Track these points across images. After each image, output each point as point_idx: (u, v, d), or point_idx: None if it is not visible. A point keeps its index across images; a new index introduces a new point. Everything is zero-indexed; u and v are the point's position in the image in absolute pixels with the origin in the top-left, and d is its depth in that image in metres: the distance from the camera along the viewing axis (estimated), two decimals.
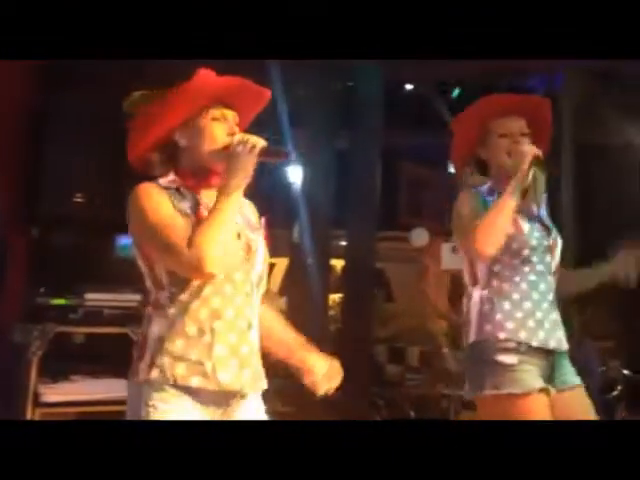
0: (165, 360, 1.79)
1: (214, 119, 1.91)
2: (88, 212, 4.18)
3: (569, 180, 5.24)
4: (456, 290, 5.71)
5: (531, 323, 2.28)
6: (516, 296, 2.30)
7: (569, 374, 2.37)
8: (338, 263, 6.18)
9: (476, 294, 2.35)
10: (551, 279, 2.37)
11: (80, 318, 3.88)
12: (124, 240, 4.21)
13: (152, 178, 1.92)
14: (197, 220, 1.84)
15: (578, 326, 4.78)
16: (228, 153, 1.86)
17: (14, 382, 3.70)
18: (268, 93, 2.01)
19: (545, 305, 2.33)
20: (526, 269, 2.32)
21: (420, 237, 6.35)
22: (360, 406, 4.71)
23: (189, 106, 1.89)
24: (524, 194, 2.29)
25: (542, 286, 2.33)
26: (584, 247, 5.07)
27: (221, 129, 1.91)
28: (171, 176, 1.93)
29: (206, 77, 1.89)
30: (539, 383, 2.24)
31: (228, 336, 1.84)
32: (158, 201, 1.84)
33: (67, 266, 4.14)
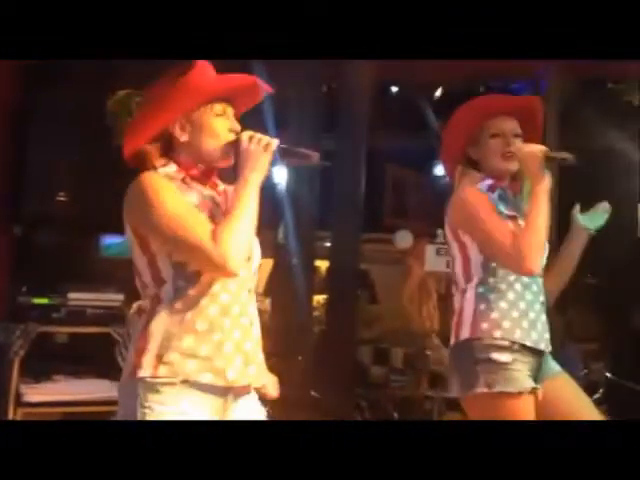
0: (175, 356, 1.75)
1: (217, 115, 1.89)
2: (71, 211, 4.16)
3: (553, 183, 5.26)
4: (440, 291, 5.74)
5: (525, 324, 2.28)
6: (511, 296, 2.29)
7: (552, 365, 2.39)
8: (323, 264, 6.19)
9: (471, 292, 2.33)
10: (541, 281, 2.38)
11: (63, 318, 3.86)
12: (108, 239, 4.20)
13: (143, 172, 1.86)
14: (208, 214, 1.81)
15: (561, 328, 4.80)
16: (232, 150, 1.86)
17: None
18: (269, 89, 1.98)
19: (537, 306, 2.33)
20: None
21: (404, 239, 6.36)
22: (344, 407, 4.70)
23: (193, 101, 1.86)
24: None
25: (534, 287, 2.33)
26: None
27: (223, 125, 1.89)
28: (173, 166, 1.88)
29: (209, 73, 1.87)
30: (530, 383, 2.24)
31: (233, 333, 1.83)
32: (168, 191, 1.79)
33: (50, 265, 4.12)
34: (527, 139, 2.40)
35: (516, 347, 2.25)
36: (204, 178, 1.91)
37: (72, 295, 3.88)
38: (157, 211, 1.76)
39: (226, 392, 1.83)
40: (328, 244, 5.51)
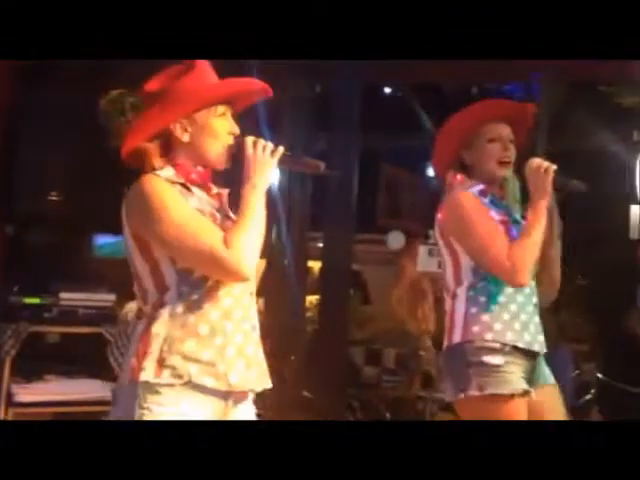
0: (176, 360, 1.74)
1: (218, 116, 1.88)
2: (64, 211, 4.16)
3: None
4: (433, 292, 5.74)
5: (517, 325, 2.28)
6: (502, 298, 2.29)
7: (546, 374, 2.39)
8: (315, 265, 6.19)
9: (461, 295, 2.33)
10: (533, 284, 2.37)
11: (54, 317, 3.85)
12: (100, 239, 4.19)
13: (142, 173, 1.83)
14: (211, 219, 1.80)
15: (553, 330, 4.81)
16: (232, 153, 1.86)
17: None
18: (270, 92, 1.97)
19: (530, 308, 2.33)
20: None
21: (397, 240, 6.37)
22: (336, 407, 4.71)
23: (193, 106, 1.85)
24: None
25: (526, 289, 2.33)
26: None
27: (223, 127, 1.88)
28: (170, 169, 1.85)
29: (210, 78, 1.88)
30: (523, 385, 2.24)
31: (236, 337, 1.82)
32: (172, 196, 1.77)
33: (42, 265, 4.12)
34: (515, 144, 2.41)
35: (508, 349, 2.25)
36: (201, 182, 1.89)
37: (64, 295, 3.86)
38: (162, 218, 1.74)
39: (227, 396, 1.82)
40: (321, 245, 5.51)
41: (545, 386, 2.36)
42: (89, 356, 3.89)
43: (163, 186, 1.78)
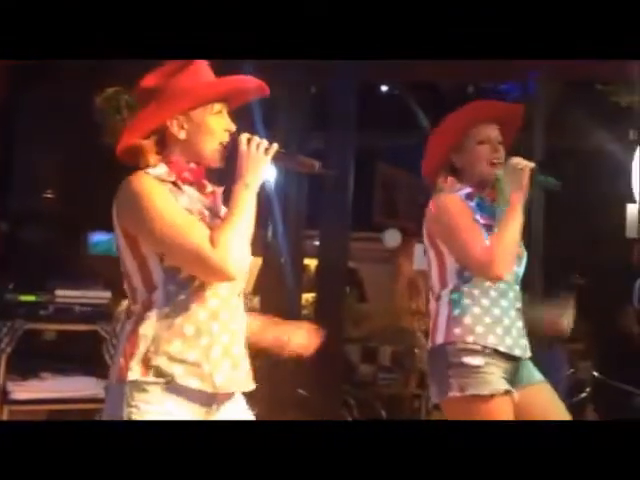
0: (162, 360, 1.74)
1: (214, 113, 1.88)
2: (59, 208, 4.15)
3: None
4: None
5: (499, 330, 2.30)
6: (485, 302, 2.31)
7: (533, 373, 2.40)
8: (311, 263, 6.19)
9: (445, 298, 2.35)
10: (517, 288, 2.39)
11: (50, 315, 3.84)
12: (95, 237, 4.19)
13: (132, 170, 1.83)
14: (200, 218, 1.79)
15: None
16: (227, 150, 1.85)
17: None
18: (266, 90, 1.97)
19: (512, 313, 2.35)
20: None
21: (393, 238, 6.38)
22: (332, 405, 4.71)
23: (189, 104, 1.85)
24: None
25: (510, 294, 2.36)
26: (554, 248, 5.11)
27: (219, 124, 1.88)
28: (163, 167, 1.85)
29: (205, 76, 1.88)
30: (504, 385, 2.25)
31: (222, 337, 1.81)
32: (161, 194, 1.76)
33: (37, 262, 4.11)
34: (504, 145, 2.43)
35: (488, 351, 2.27)
36: (194, 180, 1.88)
37: (59, 292, 3.86)
38: (150, 217, 1.73)
39: (212, 397, 1.81)
40: (317, 242, 5.51)
41: (531, 386, 2.37)
42: (85, 354, 3.88)
43: (152, 184, 1.78)
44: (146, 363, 1.74)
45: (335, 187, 4.96)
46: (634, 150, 5.30)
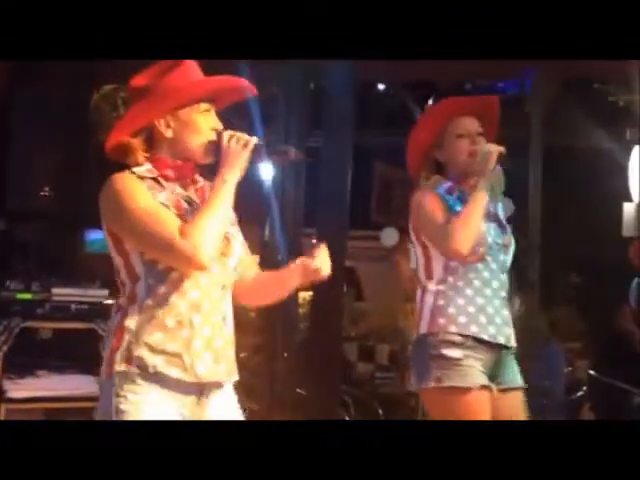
0: (143, 352, 1.77)
1: (201, 112, 1.91)
2: (55, 206, 4.15)
3: (537, 181, 5.29)
4: None
5: (482, 318, 2.33)
6: (469, 292, 2.35)
7: (513, 374, 2.43)
8: None
9: (431, 288, 2.39)
10: (504, 277, 2.43)
11: (47, 313, 3.84)
12: (92, 235, 4.18)
13: (124, 168, 1.88)
14: (177, 212, 1.82)
15: (545, 327, 4.83)
16: (213, 147, 1.88)
17: None
18: (254, 90, 2.01)
19: (497, 302, 2.38)
20: (480, 266, 2.38)
21: (390, 236, 6.38)
22: (329, 404, 4.71)
23: (176, 103, 1.88)
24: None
25: (495, 283, 2.39)
26: (552, 246, 5.12)
27: (207, 123, 1.91)
28: (147, 165, 1.89)
29: (193, 75, 1.91)
30: (482, 380, 2.29)
31: (203, 330, 1.83)
32: (138, 191, 1.81)
33: (34, 260, 4.10)
34: (485, 136, 2.47)
35: (469, 343, 2.30)
36: (180, 176, 1.92)
37: (56, 290, 3.85)
38: (127, 211, 1.79)
39: (199, 388, 1.83)
40: (314, 241, 5.51)
41: (512, 390, 2.40)
42: (81, 352, 3.87)
43: (131, 182, 1.83)
44: (129, 354, 1.78)
45: (333, 185, 4.96)
46: (631, 149, 5.31)
